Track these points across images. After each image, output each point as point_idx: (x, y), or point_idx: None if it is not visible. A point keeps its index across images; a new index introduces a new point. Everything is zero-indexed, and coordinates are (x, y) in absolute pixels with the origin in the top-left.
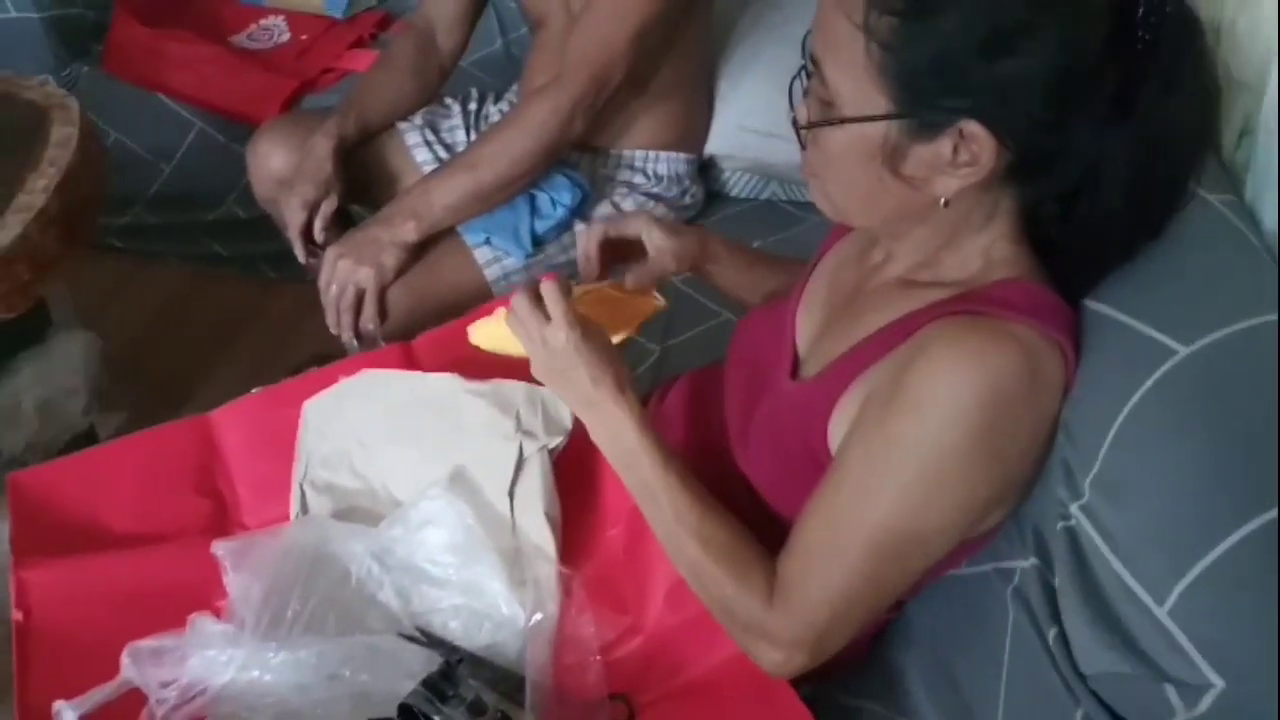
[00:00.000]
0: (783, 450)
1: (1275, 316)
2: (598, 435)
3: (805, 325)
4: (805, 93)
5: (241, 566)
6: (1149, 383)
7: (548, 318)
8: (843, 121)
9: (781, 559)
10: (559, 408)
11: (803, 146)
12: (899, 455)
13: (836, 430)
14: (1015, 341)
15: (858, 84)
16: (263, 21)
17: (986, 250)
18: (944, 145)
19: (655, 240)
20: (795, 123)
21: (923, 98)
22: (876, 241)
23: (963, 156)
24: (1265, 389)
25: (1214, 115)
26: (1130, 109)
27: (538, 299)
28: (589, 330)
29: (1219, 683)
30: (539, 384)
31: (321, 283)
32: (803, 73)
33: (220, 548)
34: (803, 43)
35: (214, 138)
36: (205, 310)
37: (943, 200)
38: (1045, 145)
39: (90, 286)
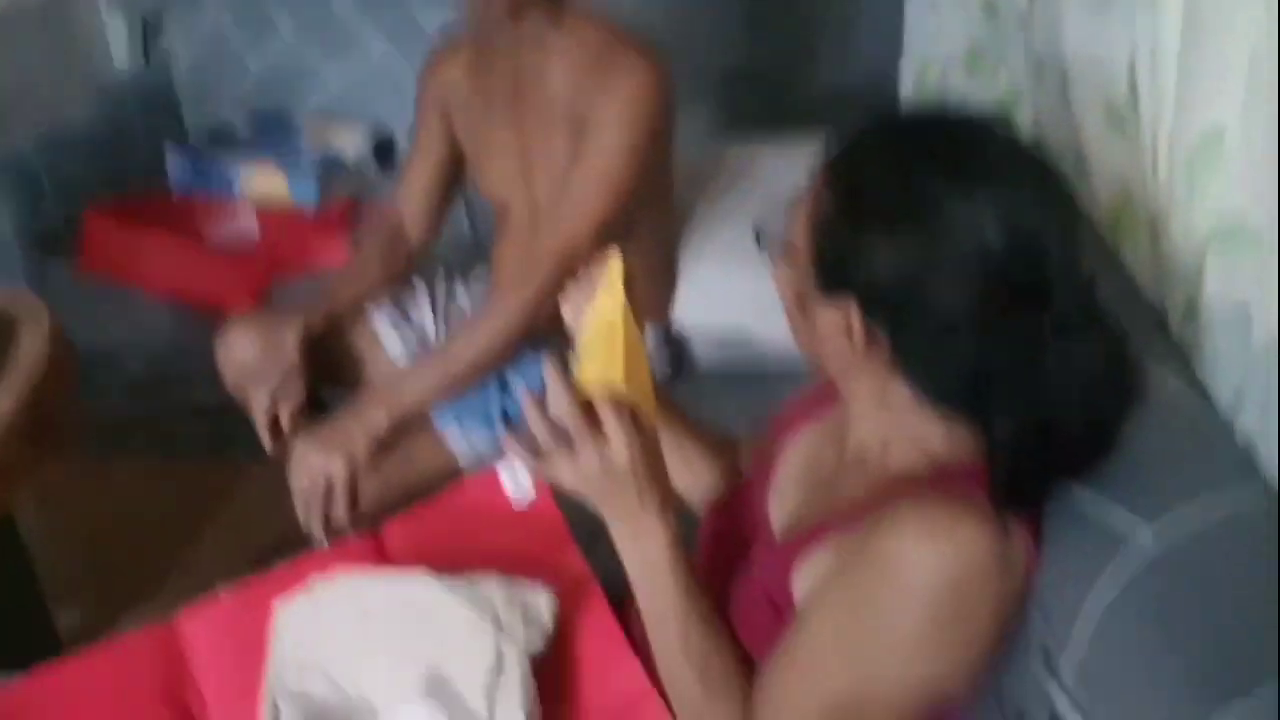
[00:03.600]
0: (750, 608)
1: (1237, 497)
2: (625, 547)
3: (779, 507)
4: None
5: None
6: (1120, 568)
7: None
8: (782, 246)
9: (753, 708)
10: (539, 606)
11: (761, 250)
12: (859, 621)
13: (801, 582)
14: (985, 520)
15: (802, 225)
16: (234, 216)
17: (946, 431)
18: (837, 312)
19: None
20: (759, 231)
21: (827, 264)
22: (849, 423)
23: (851, 328)
24: (1234, 573)
25: (1109, 420)
26: (1011, 389)
27: (587, 406)
28: (647, 445)
29: None
30: (512, 573)
31: (291, 476)
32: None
33: None
34: None
35: (185, 328)
36: (172, 497)
37: (832, 359)
38: (915, 361)
39: (54, 480)
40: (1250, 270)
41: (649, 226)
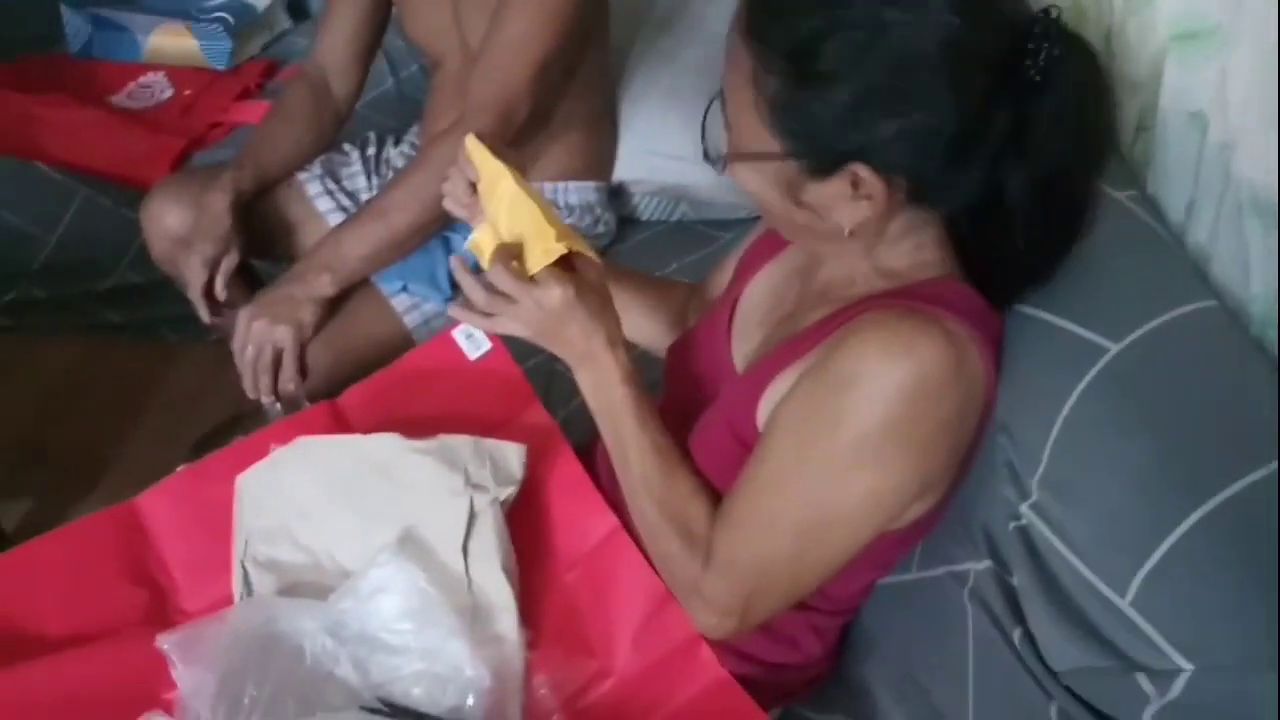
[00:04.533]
0: (714, 444)
1: (1191, 307)
2: (586, 389)
3: (742, 345)
4: (726, 124)
5: (190, 659)
6: (1084, 381)
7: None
8: (740, 158)
9: (715, 525)
10: (507, 458)
11: (720, 172)
12: (818, 431)
13: (765, 410)
14: (946, 335)
15: (752, 126)
16: (142, 79)
17: (913, 251)
18: (840, 183)
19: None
20: (707, 153)
21: (811, 145)
22: (814, 258)
23: (862, 191)
24: (1194, 376)
25: (1104, 146)
26: (1021, 149)
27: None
28: (581, 286)
29: (1188, 666)
30: (481, 435)
31: (236, 346)
32: (717, 103)
33: (165, 641)
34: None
35: (100, 204)
36: (105, 383)
37: (846, 229)
38: (937, 181)
39: None
40: (1207, 75)
41: (588, 72)
